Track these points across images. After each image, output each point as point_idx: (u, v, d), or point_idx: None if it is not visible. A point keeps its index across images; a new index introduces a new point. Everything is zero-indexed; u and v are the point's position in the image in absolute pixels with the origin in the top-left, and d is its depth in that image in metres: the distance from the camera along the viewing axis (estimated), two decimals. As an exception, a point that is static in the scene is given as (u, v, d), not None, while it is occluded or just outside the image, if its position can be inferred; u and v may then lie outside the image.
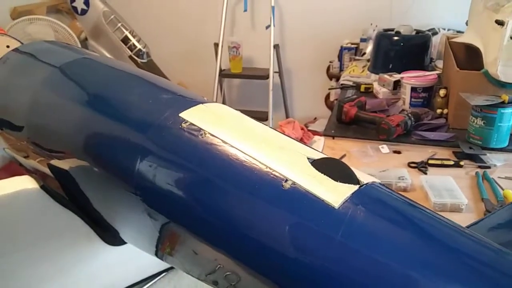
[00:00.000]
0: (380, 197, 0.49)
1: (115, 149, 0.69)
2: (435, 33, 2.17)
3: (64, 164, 0.81)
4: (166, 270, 1.09)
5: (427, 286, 0.41)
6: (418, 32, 1.98)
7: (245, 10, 2.79)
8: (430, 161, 1.25)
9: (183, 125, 0.62)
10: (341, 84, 2.05)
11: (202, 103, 0.68)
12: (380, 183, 0.53)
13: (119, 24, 2.76)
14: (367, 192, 0.49)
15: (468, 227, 0.67)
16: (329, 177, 0.49)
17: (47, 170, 0.89)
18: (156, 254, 0.79)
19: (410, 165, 1.24)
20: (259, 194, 0.52)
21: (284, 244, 0.48)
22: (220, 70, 2.78)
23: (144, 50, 2.82)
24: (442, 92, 1.54)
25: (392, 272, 0.42)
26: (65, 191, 0.87)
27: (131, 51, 2.78)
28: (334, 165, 0.52)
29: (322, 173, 0.49)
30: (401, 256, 0.43)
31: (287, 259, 0.48)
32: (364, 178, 0.51)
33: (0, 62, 1.04)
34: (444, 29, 2.29)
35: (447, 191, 1.07)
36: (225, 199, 0.55)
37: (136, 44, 2.80)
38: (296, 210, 0.49)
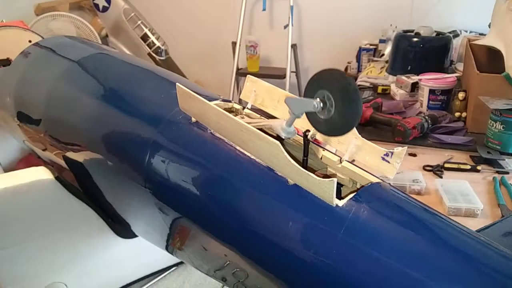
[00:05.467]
0: (385, 197, 0.49)
1: (126, 143, 0.70)
2: (456, 35, 2.12)
3: (78, 157, 0.83)
4: (176, 265, 1.10)
5: (428, 285, 0.41)
6: (438, 33, 1.95)
7: (264, 9, 2.79)
8: (446, 165, 1.22)
9: (193, 120, 0.62)
10: (358, 85, 2.03)
11: (215, 100, 0.68)
12: (387, 183, 0.52)
13: (139, 22, 2.80)
14: (372, 191, 0.48)
15: (480, 230, 0.65)
16: (328, 90, 0.47)
17: (62, 162, 0.91)
18: (167, 249, 0.80)
19: (425, 168, 1.22)
20: (265, 189, 0.52)
21: (288, 240, 0.48)
22: (237, 69, 2.79)
23: (162, 47, 2.85)
24: (461, 95, 1.51)
25: (393, 271, 0.42)
26: (79, 183, 0.89)
27: (150, 48, 2.82)
28: (332, 77, 0.50)
29: (321, 88, 0.48)
30: (403, 255, 0.43)
31: (290, 255, 0.48)
32: (371, 177, 0.50)
33: (21, 55, 1.07)
34: (466, 31, 2.24)
35: (463, 195, 1.05)
36: (231, 194, 0.56)
37: (155, 41, 2.83)
38: (300, 206, 0.48)
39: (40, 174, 0.80)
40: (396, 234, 0.45)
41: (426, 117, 1.41)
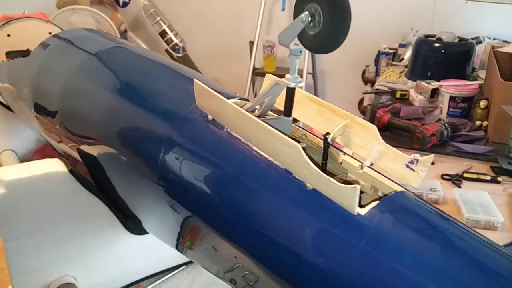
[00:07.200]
0: (410, 207, 0.46)
1: (141, 138, 0.69)
2: (479, 42, 2.07)
3: (92, 150, 0.83)
4: (185, 264, 1.09)
5: None
6: (461, 39, 1.90)
7: (283, 9, 2.77)
8: (465, 175, 1.19)
9: (209, 117, 0.61)
10: (376, 89, 1.99)
11: (232, 98, 0.67)
12: (411, 192, 0.50)
13: (158, 18, 2.81)
14: (397, 200, 0.46)
15: (507, 245, 0.62)
16: (315, 1, 0.46)
17: (77, 155, 0.91)
18: (177, 247, 0.79)
19: (443, 177, 1.19)
20: (281, 192, 0.50)
21: (304, 246, 0.46)
22: (254, 69, 2.78)
23: (180, 44, 2.85)
24: (482, 103, 1.47)
25: (416, 286, 0.39)
26: (92, 176, 0.89)
27: (168, 45, 2.83)
28: None
29: (309, 2, 0.47)
30: (427, 270, 0.40)
31: (306, 263, 0.46)
32: (395, 186, 0.48)
33: (40, 47, 1.08)
34: (490, 38, 2.19)
35: (482, 207, 1.01)
36: (246, 195, 0.54)
37: (173, 38, 2.83)
38: (319, 213, 0.46)
39: (54, 166, 0.80)
40: (420, 247, 0.42)
41: (446, 125, 1.38)
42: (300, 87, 0.55)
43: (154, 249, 1.00)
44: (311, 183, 0.47)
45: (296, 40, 0.52)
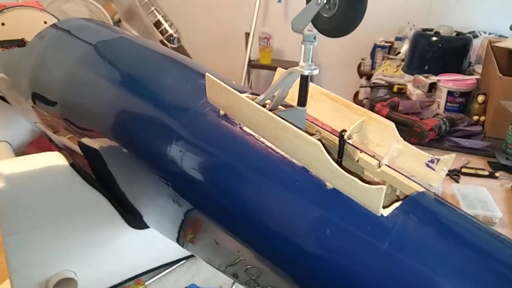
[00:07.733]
0: (432, 207, 0.46)
1: (148, 133, 0.68)
2: (475, 36, 2.08)
3: (94, 143, 0.81)
4: (186, 258, 1.09)
5: None
6: (458, 34, 1.91)
7: (279, 1, 2.75)
8: (463, 170, 1.19)
9: (221, 112, 0.59)
10: (373, 83, 1.99)
11: (244, 92, 0.66)
12: (431, 192, 0.49)
13: (153, 8, 2.77)
14: (419, 201, 0.45)
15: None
16: None
17: (76, 148, 0.89)
18: (178, 241, 0.79)
19: (441, 171, 1.20)
20: (299, 191, 0.49)
21: (323, 247, 0.45)
22: (249, 61, 2.76)
23: (175, 35, 2.82)
24: (480, 98, 1.48)
25: None
26: (92, 170, 0.87)
27: (163, 35, 2.79)
28: None
29: None
30: (455, 273, 0.40)
31: (325, 264, 0.45)
32: (415, 185, 0.47)
33: (37, 37, 1.05)
34: (485, 32, 2.20)
35: (480, 202, 1.02)
36: (261, 193, 0.52)
37: (168, 29, 2.80)
38: (339, 212, 0.45)
39: (55, 159, 0.78)
40: (446, 250, 0.41)
41: (444, 119, 1.38)
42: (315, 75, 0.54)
43: (155, 243, 0.99)
44: (331, 182, 0.46)
45: (309, 26, 0.52)
